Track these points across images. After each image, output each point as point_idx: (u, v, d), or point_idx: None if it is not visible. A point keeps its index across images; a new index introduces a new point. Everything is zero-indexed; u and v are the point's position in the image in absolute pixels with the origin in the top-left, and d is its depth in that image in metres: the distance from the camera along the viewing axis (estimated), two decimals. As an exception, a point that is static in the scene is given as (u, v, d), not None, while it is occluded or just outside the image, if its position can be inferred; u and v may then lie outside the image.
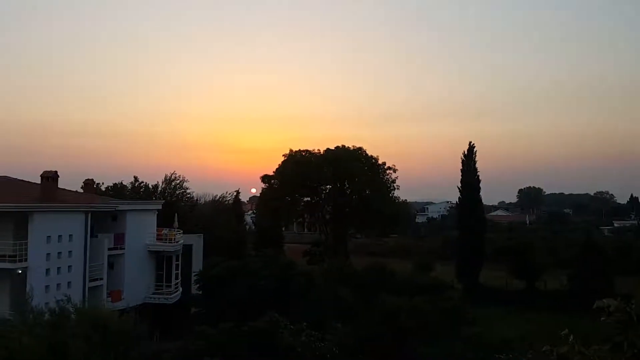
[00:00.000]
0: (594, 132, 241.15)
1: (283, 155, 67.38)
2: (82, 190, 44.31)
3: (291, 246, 75.60)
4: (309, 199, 67.47)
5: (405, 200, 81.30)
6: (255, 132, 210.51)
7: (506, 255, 57.67)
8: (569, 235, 71.57)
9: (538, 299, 51.76)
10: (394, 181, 66.75)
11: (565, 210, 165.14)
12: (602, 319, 5.11)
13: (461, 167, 59.27)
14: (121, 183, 61.70)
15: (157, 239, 41.07)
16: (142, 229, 40.21)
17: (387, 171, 66.78)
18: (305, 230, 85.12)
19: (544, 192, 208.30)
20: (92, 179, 46.52)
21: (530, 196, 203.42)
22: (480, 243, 57.76)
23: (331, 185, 65.70)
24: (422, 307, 29.93)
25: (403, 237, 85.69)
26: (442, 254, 68.82)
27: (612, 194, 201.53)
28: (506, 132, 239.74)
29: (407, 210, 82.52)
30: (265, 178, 67.10)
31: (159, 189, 62.51)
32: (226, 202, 71.90)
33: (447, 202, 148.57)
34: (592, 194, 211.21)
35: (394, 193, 67.37)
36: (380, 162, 66.82)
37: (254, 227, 77.46)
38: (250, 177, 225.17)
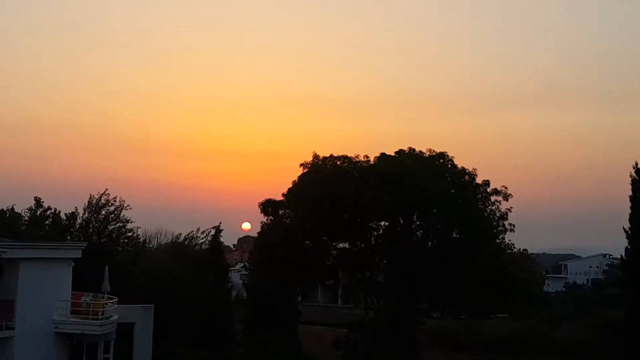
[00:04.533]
0: None
1: (301, 165, 67.20)
2: None
3: (313, 329, 76.20)
4: (346, 244, 67.42)
5: (525, 250, 79.63)
6: (253, 122, 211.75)
7: None
8: None
9: None
10: (504, 215, 65.68)
11: None
12: None
13: (631, 194, 57.46)
14: (12, 209, 64.17)
15: (72, 313, 42.24)
16: (47, 294, 41.20)
17: (492, 197, 65.96)
18: (340, 301, 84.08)
19: None
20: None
21: None
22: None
23: (388, 222, 65.45)
24: None
25: (521, 319, 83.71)
26: (597, 351, 67.71)
27: None
28: None
29: (528, 268, 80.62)
30: (268, 205, 66.78)
31: (79, 220, 64.52)
32: (196, 247, 73.71)
33: (604, 255, 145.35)
34: None
35: (504, 237, 66.50)
36: (479, 179, 66.53)
37: (245, 293, 77.05)
38: (242, 201, 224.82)
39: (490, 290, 63.76)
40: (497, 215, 65.89)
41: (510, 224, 65.87)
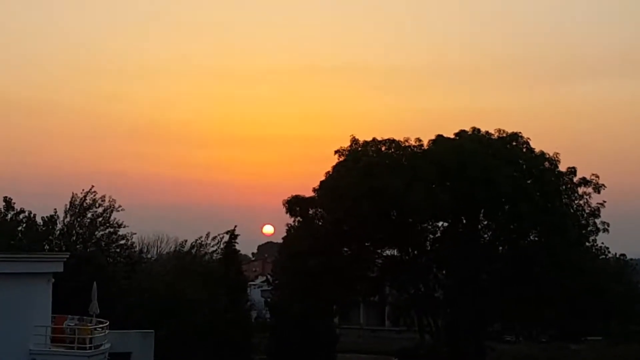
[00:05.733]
0: None
1: (336, 152, 67.68)
2: None
3: (355, 358, 77.05)
4: (394, 251, 67.65)
5: (623, 256, 78.67)
6: (275, 100, 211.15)
7: None
8: None
9: None
10: (595, 212, 65.25)
11: None
12: None
13: None
14: None
15: (52, 341, 42.69)
16: (21, 318, 41.67)
17: (580, 189, 65.57)
18: (387, 322, 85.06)
19: None
20: None
21: None
22: None
23: (447, 222, 65.77)
24: None
25: (620, 343, 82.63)
26: None
27: None
28: None
29: (627, 278, 79.33)
30: (295, 203, 67.22)
31: (59, 225, 65.25)
32: (206, 257, 74.42)
33: None
34: None
35: (595, 239, 65.92)
36: (562, 167, 65.90)
37: (268, 315, 77.05)
38: (262, 199, 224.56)
39: (578, 307, 63.82)
40: (586, 211, 65.45)
41: (603, 223, 65.18)
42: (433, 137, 65.84)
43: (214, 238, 74.11)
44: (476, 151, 63.10)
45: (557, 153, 65.80)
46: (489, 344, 68.25)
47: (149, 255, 76.32)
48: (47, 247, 60.95)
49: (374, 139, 66.65)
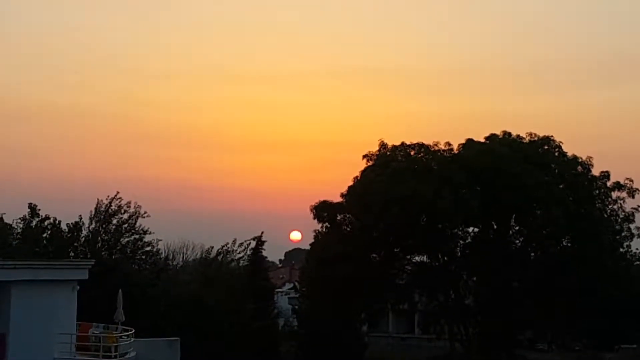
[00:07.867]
0: None
1: (364, 157, 67.81)
2: None
3: None
4: (424, 258, 67.77)
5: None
6: (301, 104, 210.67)
7: None
8: None
9: None
10: (629, 217, 65.22)
11: None
12: None
13: None
14: (0, 219, 64.15)
15: (77, 349, 42.53)
16: (46, 325, 41.35)
17: (614, 193, 65.53)
18: (417, 330, 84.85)
19: None
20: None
21: None
22: None
23: (478, 228, 65.70)
24: None
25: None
26: None
27: None
28: None
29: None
30: (322, 209, 67.43)
31: (84, 231, 65.05)
32: (232, 264, 74.17)
33: None
34: None
35: (629, 245, 66.20)
36: (596, 171, 66.01)
37: (295, 322, 77.00)
38: (289, 205, 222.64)
39: (613, 315, 63.34)
40: (621, 216, 65.33)
41: (638, 228, 65.20)
42: (463, 141, 66.15)
43: (240, 244, 73.88)
44: (507, 155, 62.96)
45: (590, 157, 65.83)
46: (521, 352, 68.08)
47: (174, 262, 76.07)
48: (72, 254, 60.84)
49: (402, 144, 66.80)
